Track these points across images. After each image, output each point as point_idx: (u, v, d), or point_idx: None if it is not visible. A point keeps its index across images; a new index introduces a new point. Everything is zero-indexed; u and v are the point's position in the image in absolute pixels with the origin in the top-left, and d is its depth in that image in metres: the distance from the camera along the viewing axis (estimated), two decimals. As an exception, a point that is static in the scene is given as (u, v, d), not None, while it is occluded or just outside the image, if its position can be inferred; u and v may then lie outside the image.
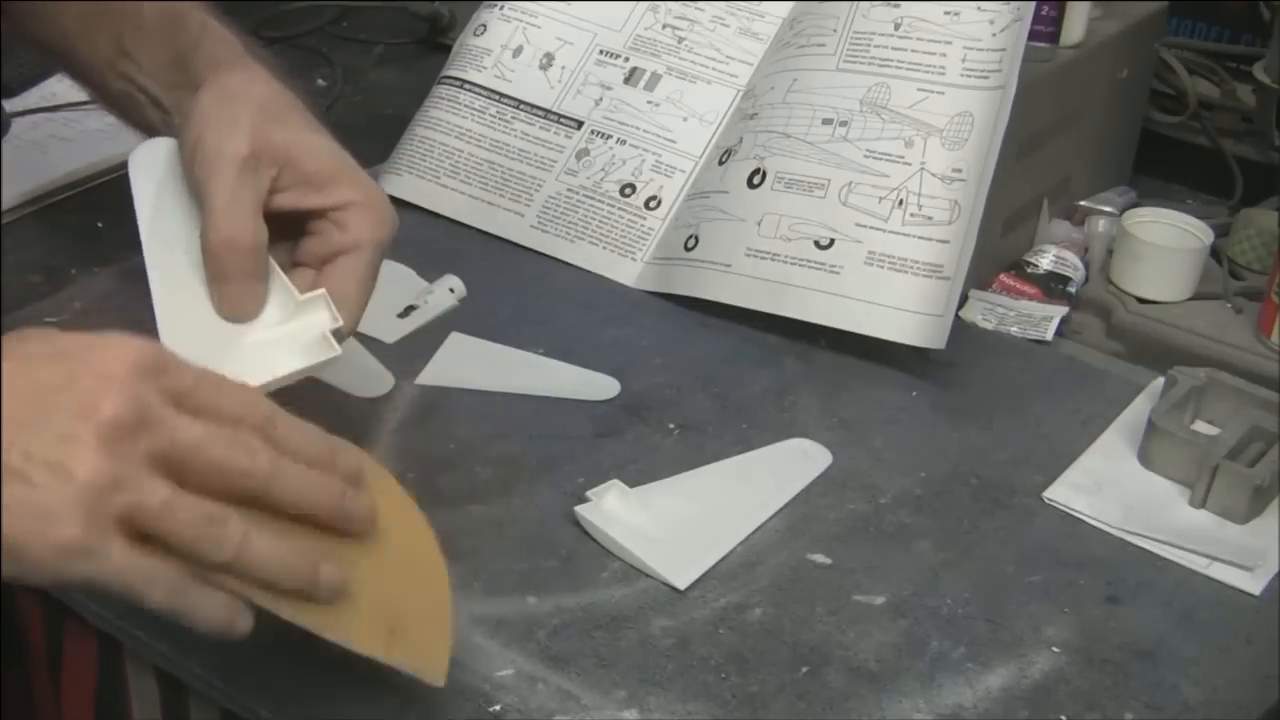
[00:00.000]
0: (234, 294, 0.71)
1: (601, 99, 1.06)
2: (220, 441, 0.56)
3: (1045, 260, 1.02)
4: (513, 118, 1.07)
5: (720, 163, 1.00)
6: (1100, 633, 0.73)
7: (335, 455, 0.61)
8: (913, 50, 0.95)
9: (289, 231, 0.75)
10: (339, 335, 0.72)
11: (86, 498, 0.53)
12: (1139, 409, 0.89)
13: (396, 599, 0.63)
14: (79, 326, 0.59)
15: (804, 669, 0.70)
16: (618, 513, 0.77)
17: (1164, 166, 1.18)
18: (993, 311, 0.98)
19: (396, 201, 1.05)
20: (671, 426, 0.86)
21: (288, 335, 0.72)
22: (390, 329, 0.90)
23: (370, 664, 0.62)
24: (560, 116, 1.06)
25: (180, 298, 0.72)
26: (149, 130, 0.80)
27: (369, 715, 0.67)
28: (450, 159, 1.07)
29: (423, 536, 0.66)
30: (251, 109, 0.72)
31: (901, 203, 0.92)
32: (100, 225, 1.00)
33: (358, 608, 0.61)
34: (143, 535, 0.55)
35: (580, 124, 1.06)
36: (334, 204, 0.73)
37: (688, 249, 0.98)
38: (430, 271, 0.93)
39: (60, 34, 0.81)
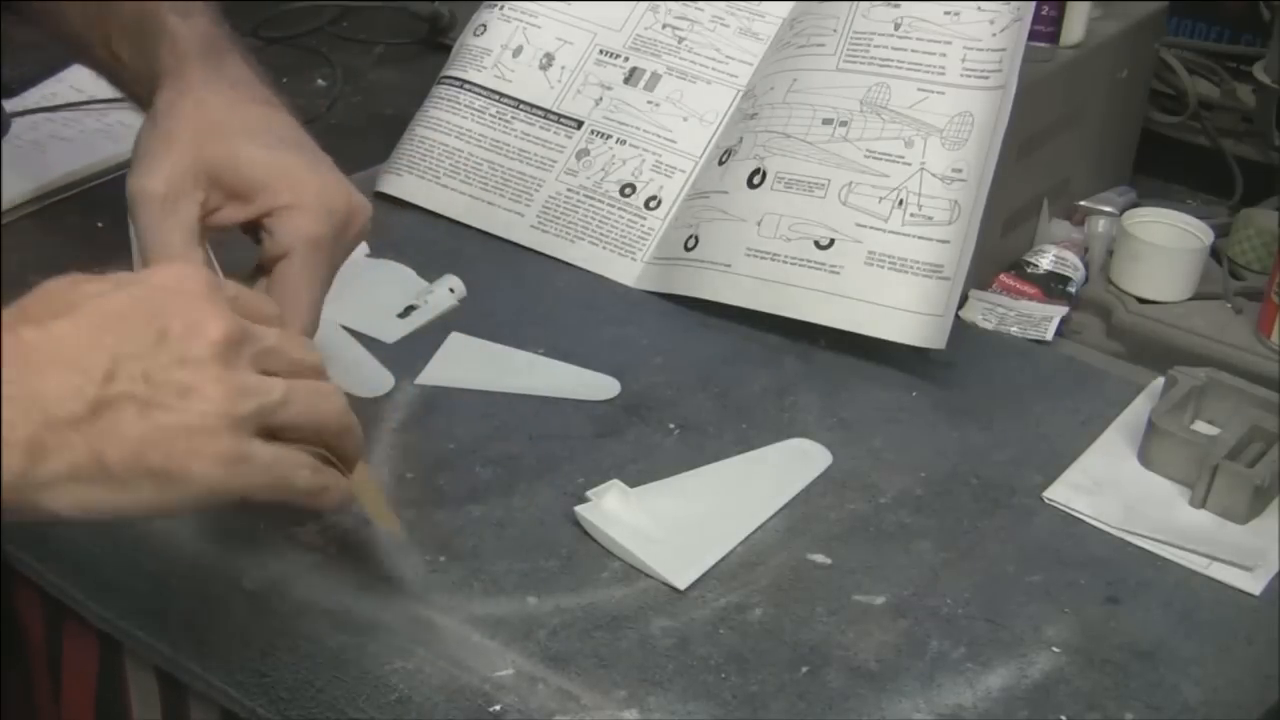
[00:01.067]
0: None
1: (601, 99, 1.06)
2: (288, 340, 0.61)
3: (1045, 260, 1.02)
4: (513, 118, 1.07)
5: (720, 163, 1.00)
6: (1100, 633, 0.73)
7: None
8: (913, 50, 0.95)
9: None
10: None
11: (224, 409, 0.56)
12: (1139, 409, 0.89)
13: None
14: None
15: (804, 669, 0.70)
16: (618, 513, 0.77)
17: (1164, 166, 1.18)
18: (993, 311, 0.98)
19: (396, 201, 1.07)
20: (671, 426, 0.86)
21: None
22: (390, 329, 0.91)
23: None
24: (560, 116, 1.06)
25: None
26: None
27: (368, 715, 0.67)
28: (450, 159, 1.07)
29: None
30: (177, 129, 0.72)
31: (901, 203, 0.92)
32: (100, 225, 1.00)
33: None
34: (269, 434, 0.58)
35: (580, 124, 1.06)
36: (262, 212, 0.73)
37: (688, 249, 0.98)
38: (430, 271, 0.93)
39: (70, 35, 0.82)
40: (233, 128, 0.74)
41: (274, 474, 0.58)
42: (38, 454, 0.53)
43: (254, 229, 0.75)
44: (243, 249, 0.76)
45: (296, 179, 0.74)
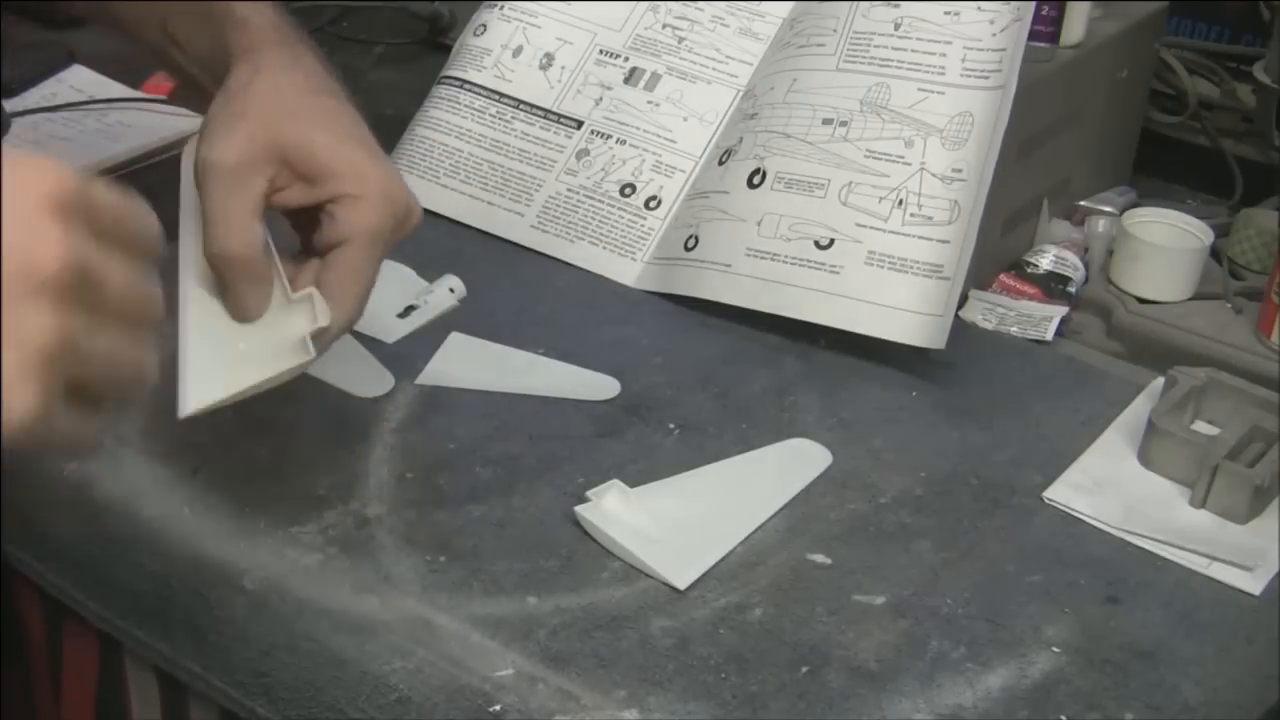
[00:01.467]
0: (234, 298, 0.72)
1: (601, 99, 1.06)
2: (138, 280, 0.55)
3: (1045, 260, 1.02)
4: (513, 118, 1.07)
5: (720, 163, 1.00)
6: (1100, 633, 0.73)
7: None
8: (913, 50, 0.95)
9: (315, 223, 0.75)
10: (324, 334, 0.72)
11: (42, 360, 0.51)
12: (1139, 409, 0.89)
13: None
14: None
15: (804, 669, 0.70)
16: (618, 513, 0.77)
17: (1164, 166, 1.18)
18: (993, 311, 0.98)
19: (396, 201, 1.06)
20: (671, 426, 0.86)
21: (272, 337, 0.72)
22: (390, 329, 0.90)
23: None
24: (560, 116, 1.06)
25: (204, 293, 0.73)
26: None
27: (368, 715, 0.67)
28: (450, 159, 1.07)
29: None
30: (253, 107, 0.73)
31: (901, 203, 0.92)
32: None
33: None
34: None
35: (580, 124, 1.06)
36: (327, 197, 0.73)
37: (688, 249, 0.98)
38: (430, 271, 0.93)
39: (119, 16, 0.81)
40: (306, 113, 0.74)
41: (77, 430, 0.54)
42: None
43: (304, 215, 0.75)
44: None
45: (363, 170, 0.74)
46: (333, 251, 0.73)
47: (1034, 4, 0.94)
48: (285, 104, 0.74)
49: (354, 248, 0.73)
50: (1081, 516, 0.81)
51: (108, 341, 0.53)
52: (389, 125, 1.13)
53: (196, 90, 0.80)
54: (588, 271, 1.01)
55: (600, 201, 1.03)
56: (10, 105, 1.11)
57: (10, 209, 0.50)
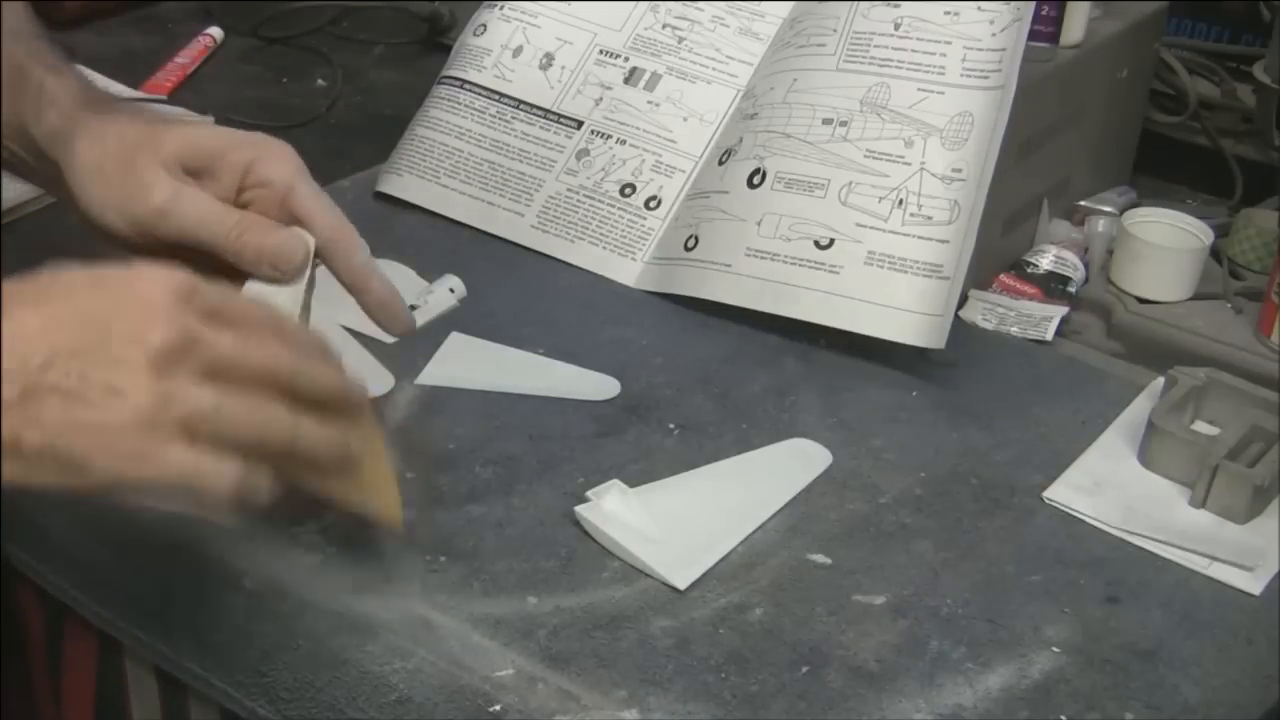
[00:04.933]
0: (273, 254, 0.73)
1: (601, 99, 1.06)
2: (255, 347, 0.61)
3: (1045, 260, 1.02)
4: (513, 118, 1.07)
5: (720, 163, 1.00)
6: (1100, 633, 0.73)
7: (327, 346, 0.67)
8: (913, 50, 0.95)
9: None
10: (336, 249, 0.73)
11: (144, 414, 0.58)
12: (1139, 409, 0.89)
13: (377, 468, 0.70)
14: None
15: (804, 669, 0.70)
16: (618, 513, 0.77)
17: (1164, 166, 1.18)
18: (993, 311, 0.98)
19: (397, 201, 1.07)
20: (671, 426, 0.86)
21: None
22: (390, 329, 0.90)
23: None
24: (560, 116, 1.06)
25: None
26: (36, 184, 0.81)
27: (368, 715, 0.67)
28: (450, 159, 1.07)
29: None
30: (128, 158, 0.73)
31: (901, 203, 0.92)
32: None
33: (369, 481, 0.68)
34: (203, 439, 0.59)
35: (580, 124, 1.06)
36: (240, 174, 0.74)
37: (688, 249, 0.98)
38: (430, 271, 0.93)
39: None
40: (164, 130, 0.75)
41: (182, 478, 0.59)
42: None
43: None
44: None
45: (240, 137, 0.75)
46: (290, 201, 0.74)
47: (1034, 4, 0.94)
48: (146, 133, 0.74)
49: (302, 184, 0.74)
50: (1081, 516, 0.81)
51: (217, 397, 0.59)
52: (389, 125, 1.13)
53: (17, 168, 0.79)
54: (588, 271, 1.01)
55: (600, 201, 1.03)
56: (10, 105, 1.11)
57: (135, 293, 0.59)
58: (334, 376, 0.65)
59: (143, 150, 0.73)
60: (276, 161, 0.74)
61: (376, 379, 0.88)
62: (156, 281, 0.60)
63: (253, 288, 0.72)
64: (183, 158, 0.73)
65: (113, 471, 0.58)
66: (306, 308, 0.74)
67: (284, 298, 0.73)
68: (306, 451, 0.63)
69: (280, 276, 0.72)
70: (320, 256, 0.74)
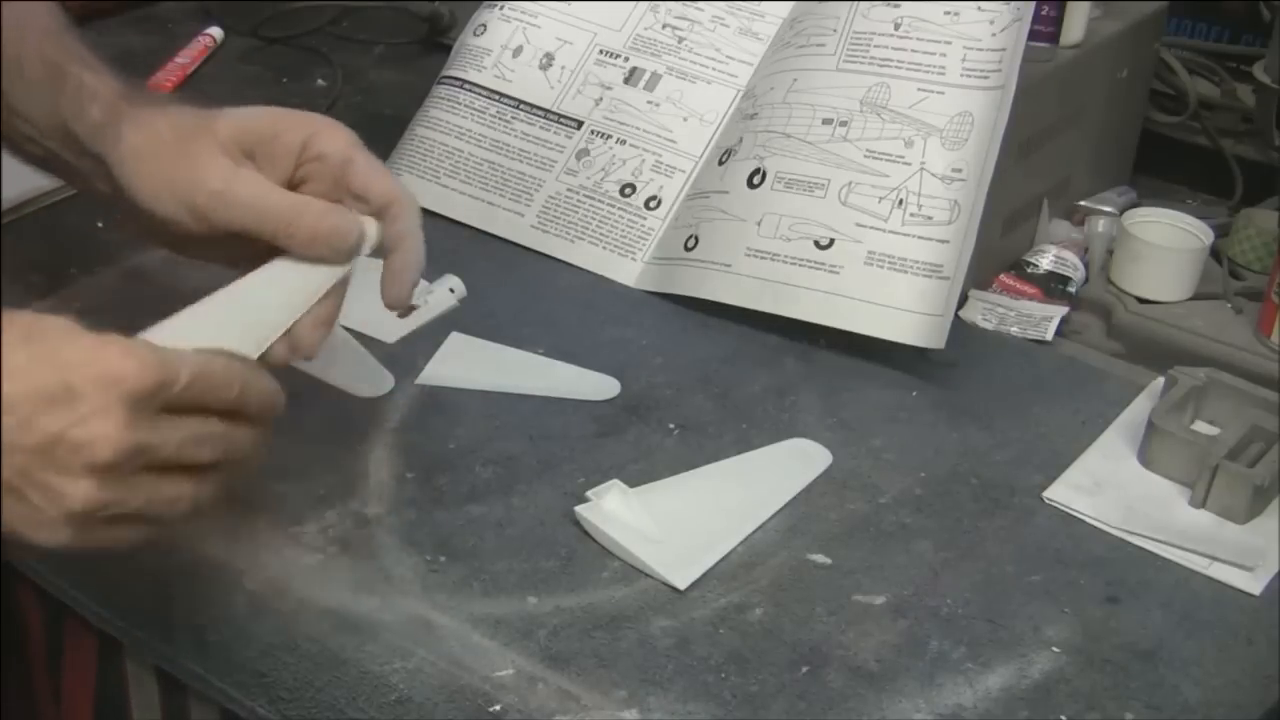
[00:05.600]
0: (322, 236, 0.73)
1: (601, 99, 1.06)
2: (201, 444, 0.62)
3: (1045, 260, 1.02)
4: (513, 118, 1.07)
5: (720, 163, 1.00)
6: (1100, 633, 0.73)
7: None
8: (913, 50, 0.95)
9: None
10: (396, 219, 0.74)
11: (75, 511, 0.59)
12: (1139, 409, 0.89)
13: None
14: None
15: (804, 669, 0.70)
16: (618, 513, 0.77)
17: (1164, 166, 1.18)
18: (993, 311, 0.98)
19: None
20: (671, 426, 0.86)
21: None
22: (390, 329, 0.90)
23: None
24: (560, 116, 1.06)
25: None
26: (73, 184, 0.80)
27: (368, 715, 0.67)
28: (450, 159, 1.07)
29: None
30: (181, 144, 0.73)
31: (901, 202, 0.92)
32: (100, 225, 1.00)
33: None
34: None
35: (580, 124, 1.06)
36: (297, 152, 0.74)
37: (688, 249, 0.98)
38: (430, 271, 0.93)
39: None
40: (206, 118, 0.75)
41: (113, 543, 0.62)
42: None
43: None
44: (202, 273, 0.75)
45: (292, 116, 0.75)
46: (347, 173, 0.74)
47: (1034, 4, 0.94)
48: (196, 120, 0.74)
49: (359, 156, 0.74)
50: (1081, 516, 0.81)
51: (142, 503, 0.61)
52: (389, 125, 1.13)
53: (33, 155, 0.78)
54: (588, 271, 1.01)
55: (600, 201, 1.03)
56: (10, 105, 1.11)
57: (90, 391, 0.58)
58: (250, 437, 0.65)
59: (199, 135, 0.73)
60: (331, 136, 0.74)
61: (376, 379, 0.88)
62: (116, 376, 0.59)
63: (282, 264, 0.73)
64: (239, 141, 0.73)
65: (42, 542, 0.60)
66: (341, 292, 0.74)
67: (321, 277, 0.73)
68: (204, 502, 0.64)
69: (335, 257, 0.72)
70: (379, 219, 0.74)
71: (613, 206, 1.02)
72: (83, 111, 0.75)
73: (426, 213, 1.05)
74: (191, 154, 0.72)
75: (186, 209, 0.72)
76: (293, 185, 0.75)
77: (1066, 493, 0.82)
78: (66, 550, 0.61)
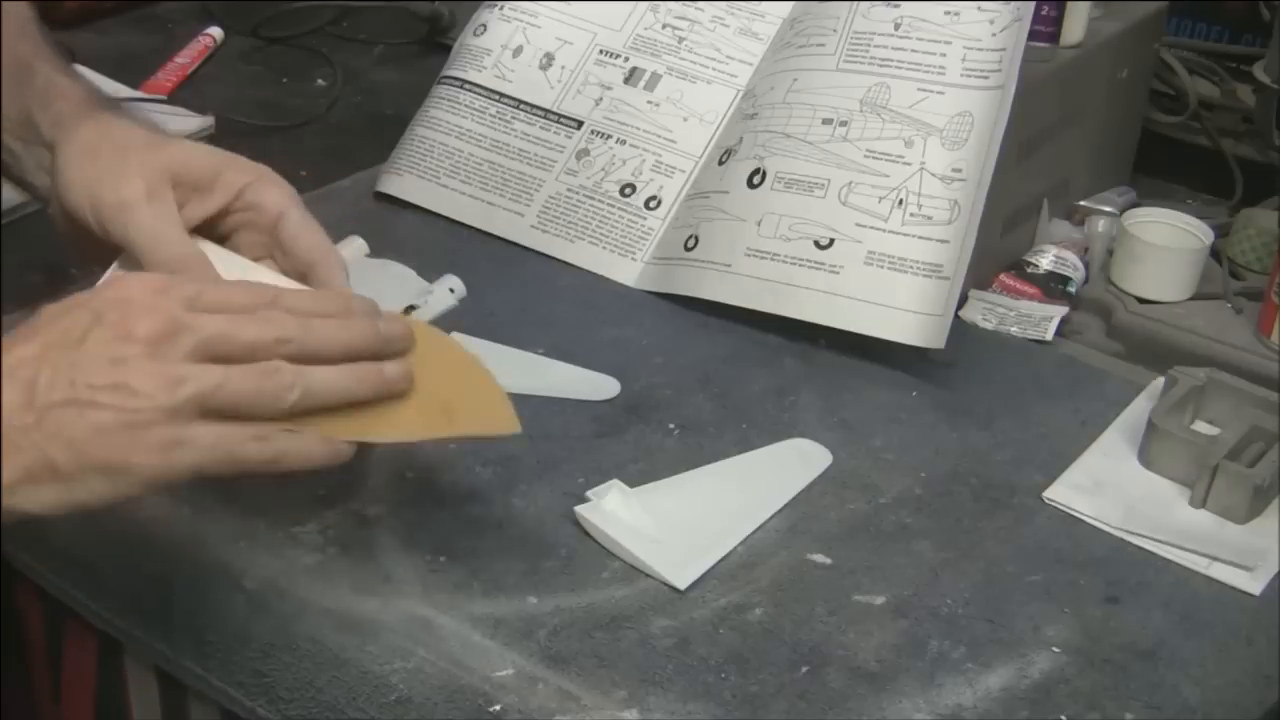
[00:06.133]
0: None
1: (601, 99, 1.06)
2: (246, 323, 0.62)
3: (1045, 260, 1.02)
4: (513, 118, 1.07)
5: (720, 163, 1.00)
6: (1100, 633, 0.73)
7: (349, 300, 0.68)
8: (913, 50, 0.95)
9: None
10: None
11: (157, 400, 0.59)
12: (1139, 409, 0.89)
13: (442, 390, 0.68)
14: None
15: (804, 669, 0.70)
16: (618, 513, 0.77)
17: (1164, 166, 1.18)
18: (993, 311, 0.98)
19: (396, 201, 1.07)
20: (671, 426, 0.86)
21: None
22: (390, 329, 0.90)
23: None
24: (560, 116, 1.06)
25: None
26: (10, 179, 0.81)
27: (368, 715, 0.67)
28: (450, 159, 1.07)
29: (442, 341, 0.71)
30: (118, 151, 0.75)
31: (901, 202, 0.92)
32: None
33: (411, 409, 0.67)
34: (217, 416, 0.61)
35: (580, 124, 1.06)
36: (231, 196, 0.75)
37: (688, 249, 0.98)
38: (430, 271, 0.93)
39: None
40: (163, 141, 0.77)
41: (218, 453, 0.61)
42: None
43: (210, 227, 0.77)
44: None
45: (239, 162, 0.77)
46: (279, 228, 0.75)
47: (1034, 4, 0.94)
48: (147, 139, 0.76)
49: (294, 213, 0.75)
50: (1081, 516, 0.81)
51: (222, 372, 0.61)
52: (389, 125, 1.13)
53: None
54: (588, 271, 1.01)
55: (600, 201, 1.03)
56: (10, 105, 1.11)
57: (111, 300, 0.61)
58: (343, 328, 0.65)
59: (138, 152, 0.74)
60: (270, 188, 0.76)
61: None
62: (130, 283, 0.62)
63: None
64: (179, 172, 0.74)
65: (152, 465, 0.59)
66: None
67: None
68: (335, 396, 0.63)
69: None
70: (306, 277, 0.75)
71: (613, 206, 1.02)
72: (49, 103, 0.77)
73: (427, 213, 1.06)
74: (120, 164, 0.74)
75: (92, 210, 0.73)
76: (225, 232, 0.76)
77: (1066, 493, 0.82)
78: (190, 478, 0.60)
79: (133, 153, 0.74)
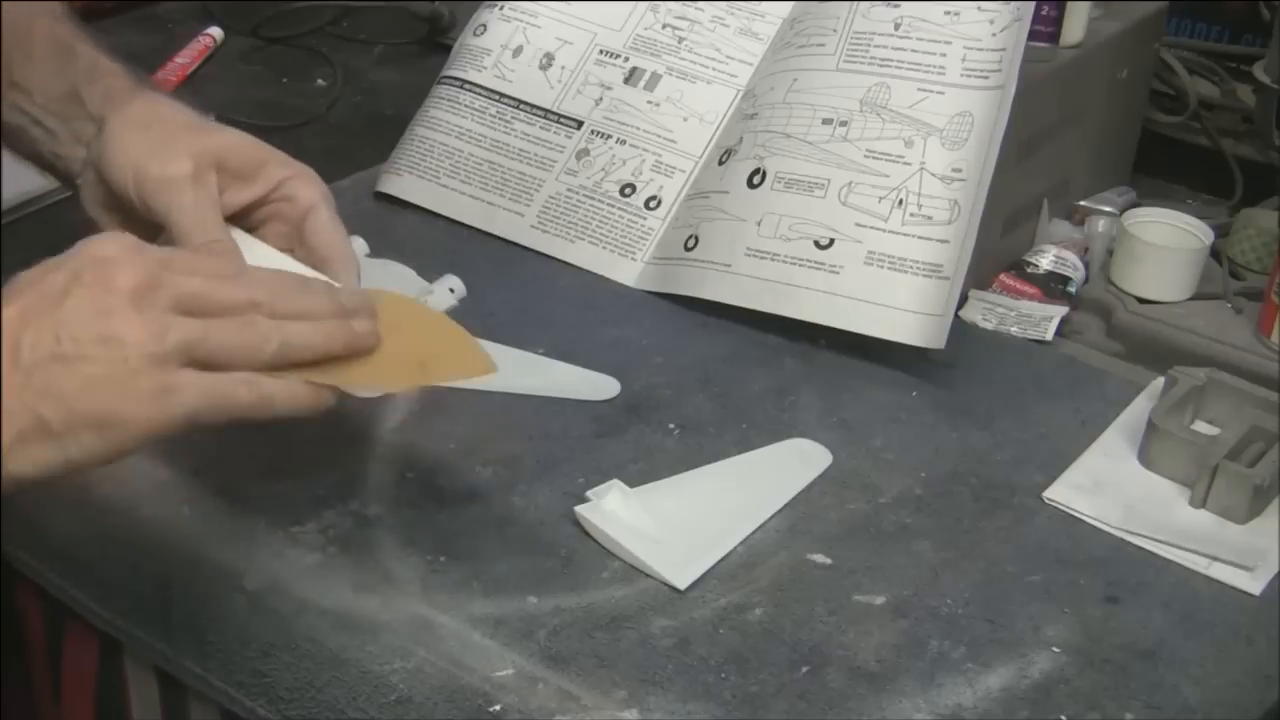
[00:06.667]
0: None
1: (601, 99, 1.06)
2: (220, 283, 0.63)
3: (1045, 260, 1.02)
4: (513, 118, 1.07)
5: (720, 163, 1.00)
6: (1100, 633, 0.73)
7: (304, 279, 0.70)
8: (913, 50, 0.95)
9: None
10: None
11: (145, 349, 0.59)
12: (1139, 409, 0.89)
13: (416, 346, 0.70)
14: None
15: (804, 669, 0.70)
16: (618, 513, 0.77)
17: (1164, 166, 1.18)
18: (993, 311, 0.98)
19: (396, 201, 1.07)
20: (671, 426, 0.86)
21: None
22: (390, 329, 0.90)
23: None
24: (560, 116, 1.06)
25: None
26: (34, 158, 0.82)
27: (368, 715, 0.67)
28: (450, 159, 1.07)
29: (412, 306, 0.74)
30: (169, 129, 0.76)
31: (901, 202, 0.92)
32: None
33: (388, 362, 0.68)
34: (201, 367, 0.61)
35: (580, 124, 1.06)
36: (270, 187, 0.77)
37: (688, 249, 0.98)
38: (430, 271, 0.93)
39: None
40: (212, 127, 0.78)
41: (209, 397, 0.61)
42: None
43: (246, 215, 0.78)
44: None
45: (282, 157, 0.79)
46: (307, 223, 0.77)
47: (1034, 4, 0.94)
48: (196, 122, 0.78)
49: (324, 210, 0.77)
50: (1081, 516, 0.81)
51: (203, 323, 0.61)
52: (389, 125, 1.13)
53: (15, 132, 0.81)
54: (588, 271, 1.01)
55: (600, 201, 1.03)
56: (10, 105, 1.11)
57: (89, 258, 0.61)
58: (306, 296, 0.66)
59: (191, 132, 0.76)
60: (308, 184, 0.78)
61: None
62: (107, 243, 0.62)
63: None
64: (225, 158, 0.76)
65: (144, 414, 0.59)
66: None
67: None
68: (312, 348, 0.64)
69: None
70: (320, 271, 0.76)
71: (613, 206, 1.02)
72: (97, 79, 0.79)
73: (427, 213, 1.06)
74: (169, 142, 0.75)
75: (135, 187, 0.74)
76: (254, 223, 0.78)
77: (1066, 493, 0.82)
78: (183, 428, 0.60)
79: (182, 132, 0.76)
